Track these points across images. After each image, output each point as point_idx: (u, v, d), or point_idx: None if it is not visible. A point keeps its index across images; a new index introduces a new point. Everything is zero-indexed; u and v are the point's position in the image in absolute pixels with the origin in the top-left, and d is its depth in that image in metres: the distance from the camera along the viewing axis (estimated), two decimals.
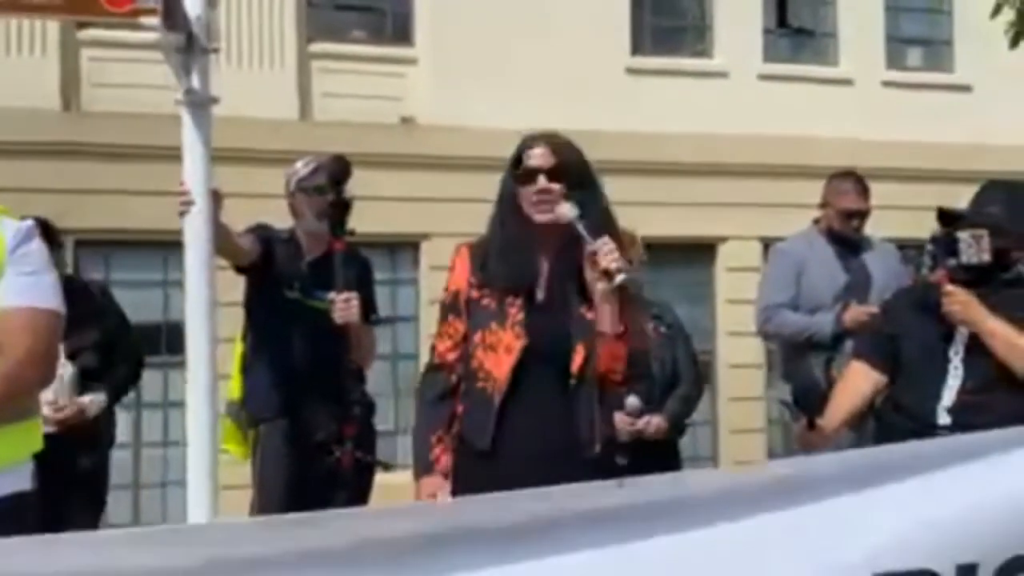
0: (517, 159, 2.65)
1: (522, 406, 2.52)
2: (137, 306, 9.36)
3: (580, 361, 2.52)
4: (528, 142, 2.66)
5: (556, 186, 2.56)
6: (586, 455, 2.51)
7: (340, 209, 3.42)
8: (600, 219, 2.56)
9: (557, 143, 2.65)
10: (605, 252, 2.46)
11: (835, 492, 1.87)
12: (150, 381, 9.30)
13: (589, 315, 2.55)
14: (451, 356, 2.63)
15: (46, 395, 3.79)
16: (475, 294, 2.62)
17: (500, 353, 2.53)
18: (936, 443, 2.16)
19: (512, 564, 1.63)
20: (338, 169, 3.45)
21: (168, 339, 8.75)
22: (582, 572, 1.68)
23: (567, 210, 2.52)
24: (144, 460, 9.04)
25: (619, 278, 2.44)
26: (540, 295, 2.59)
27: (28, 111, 8.55)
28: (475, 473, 2.50)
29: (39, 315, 2.24)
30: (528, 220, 2.59)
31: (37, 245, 2.29)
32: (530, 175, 2.60)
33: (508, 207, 2.64)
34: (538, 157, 2.62)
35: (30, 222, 2.34)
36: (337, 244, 3.44)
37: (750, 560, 1.79)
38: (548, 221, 2.55)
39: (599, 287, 2.49)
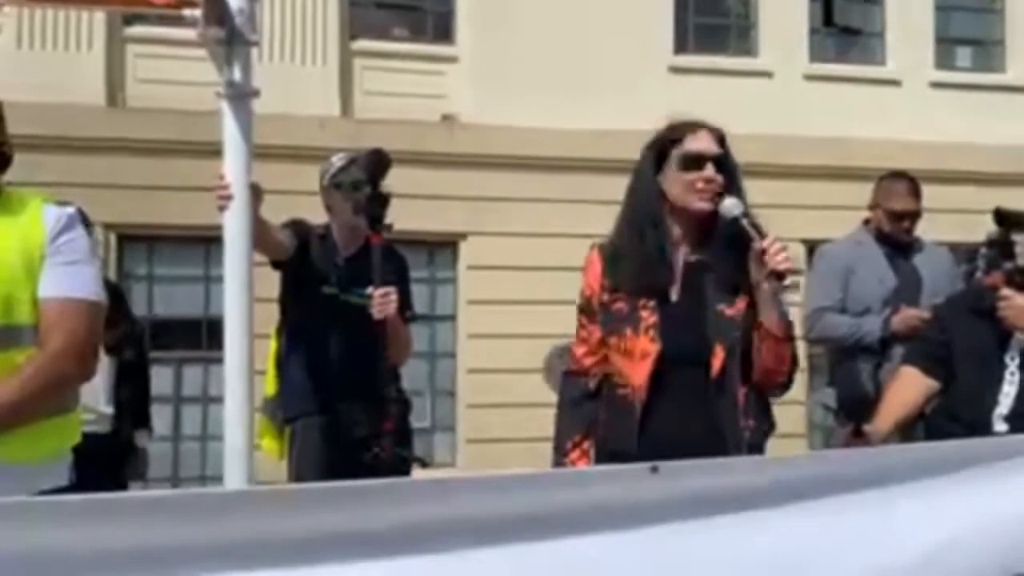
0: (663, 145, 2.48)
1: (664, 412, 2.42)
2: (179, 301, 9.47)
3: (720, 364, 2.41)
4: (687, 126, 2.49)
5: (720, 177, 2.43)
6: None
7: (378, 203, 3.37)
8: (755, 219, 2.44)
9: (718, 133, 2.51)
10: (774, 252, 2.34)
11: (884, 488, 1.79)
12: (190, 375, 9.40)
13: (729, 312, 2.42)
14: (588, 361, 2.54)
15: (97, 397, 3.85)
16: (606, 297, 2.49)
17: (636, 359, 2.43)
18: (992, 442, 2.07)
19: (528, 544, 1.58)
20: (376, 162, 3.41)
21: (209, 334, 8.81)
22: (603, 558, 1.62)
23: (733, 205, 2.40)
24: (183, 454, 9.11)
25: (790, 279, 2.35)
26: (674, 295, 2.47)
27: (73, 106, 8.65)
28: None
29: (80, 307, 2.19)
30: (663, 212, 2.45)
31: (79, 233, 2.24)
32: (696, 161, 2.44)
33: (646, 197, 2.48)
34: (705, 141, 2.47)
35: (72, 209, 2.29)
36: (375, 238, 3.41)
37: (792, 556, 1.72)
38: (705, 211, 2.41)
39: (765, 287, 2.37)
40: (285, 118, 8.10)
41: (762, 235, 2.37)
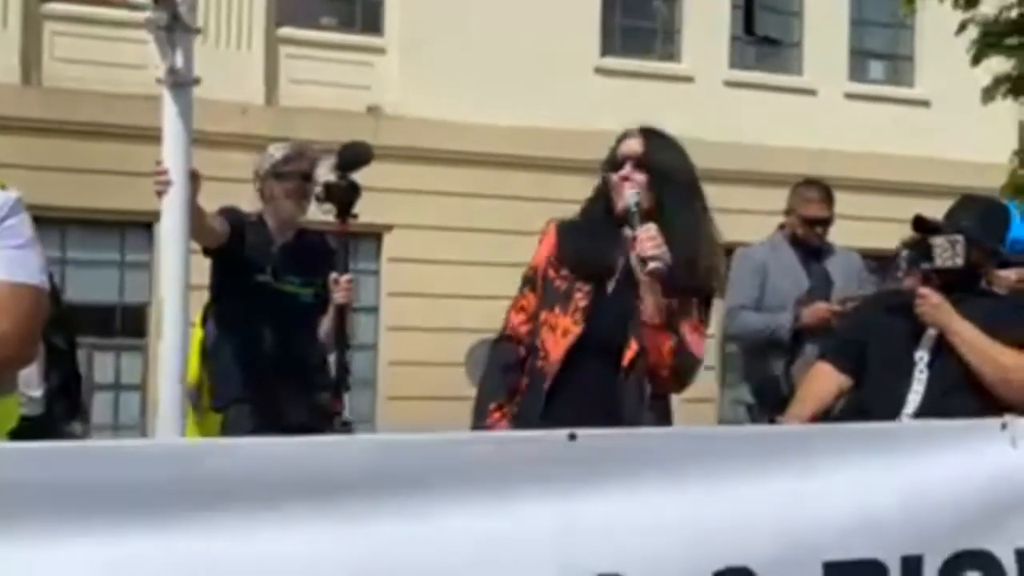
0: (613, 151, 2.67)
1: (570, 390, 2.55)
2: (93, 286, 9.25)
3: (631, 355, 2.55)
4: (626, 132, 2.69)
5: (640, 176, 2.57)
6: None
7: (349, 193, 3.49)
8: (680, 217, 2.56)
9: (652, 136, 2.67)
10: (644, 238, 2.47)
11: (781, 471, 1.89)
12: (102, 363, 9.19)
13: None
14: (523, 329, 2.64)
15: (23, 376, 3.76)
16: (551, 273, 2.63)
17: (558, 336, 2.57)
18: (870, 428, 2.21)
19: (456, 505, 1.64)
20: (357, 153, 3.53)
21: (123, 321, 8.64)
22: (519, 522, 1.68)
23: (628, 196, 2.54)
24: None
25: (651, 265, 2.45)
26: (611, 287, 2.61)
27: None
28: None
29: (25, 292, 2.18)
30: (612, 211, 2.61)
31: (23, 218, 2.24)
32: (619, 162, 2.62)
33: (599, 195, 2.66)
34: (629, 145, 2.64)
35: (17, 193, 2.27)
36: (341, 227, 3.52)
37: (698, 527, 1.81)
38: (622, 208, 2.56)
39: (642, 277, 2.51)
40: (206, 103, 7.97)
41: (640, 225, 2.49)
